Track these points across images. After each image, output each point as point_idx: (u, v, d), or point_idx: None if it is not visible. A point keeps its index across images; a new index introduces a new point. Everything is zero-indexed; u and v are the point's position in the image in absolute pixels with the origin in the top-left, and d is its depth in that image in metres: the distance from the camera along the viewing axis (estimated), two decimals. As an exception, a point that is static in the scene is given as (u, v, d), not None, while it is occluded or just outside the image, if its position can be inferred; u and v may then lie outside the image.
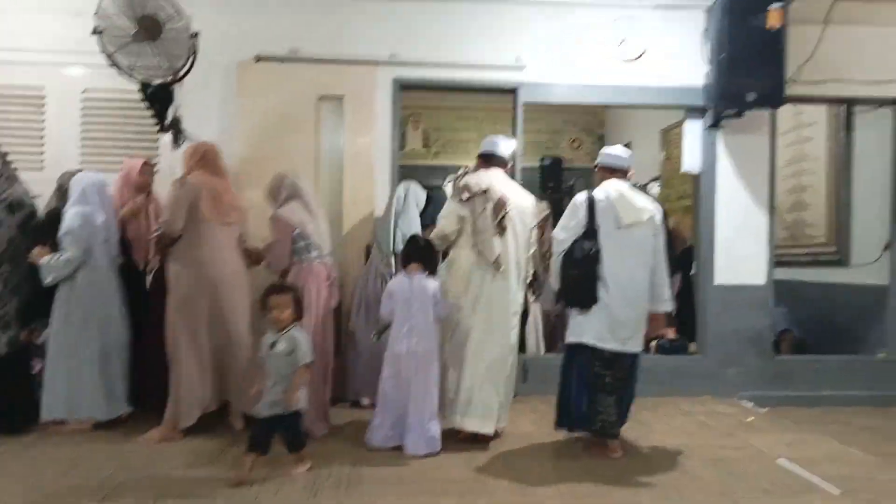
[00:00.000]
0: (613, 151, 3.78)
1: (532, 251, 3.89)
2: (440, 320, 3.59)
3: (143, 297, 3.98)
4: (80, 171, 3.99)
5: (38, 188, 4.00)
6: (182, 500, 2.81)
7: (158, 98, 4.07)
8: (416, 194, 4.58)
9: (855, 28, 4.93)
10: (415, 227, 4.43)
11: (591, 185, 3.74)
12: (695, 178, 5.24)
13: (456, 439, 3.63)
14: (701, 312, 5.08)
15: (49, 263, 3.60)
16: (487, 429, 3.65)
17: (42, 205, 3.96)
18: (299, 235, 3.72)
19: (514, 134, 4.94)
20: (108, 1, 3.83)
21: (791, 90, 4.70)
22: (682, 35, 4.95)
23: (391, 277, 4.00)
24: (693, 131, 5.05)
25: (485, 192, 3.67)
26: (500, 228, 3.65)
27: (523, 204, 3.82)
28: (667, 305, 3.67)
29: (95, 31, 3.82)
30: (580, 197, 3.60)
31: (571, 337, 3.59)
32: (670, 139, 6.61)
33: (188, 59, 3.95)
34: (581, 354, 3.54)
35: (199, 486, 2.96)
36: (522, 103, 4.90)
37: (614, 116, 8.42)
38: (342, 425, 3.99)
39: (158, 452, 3.42)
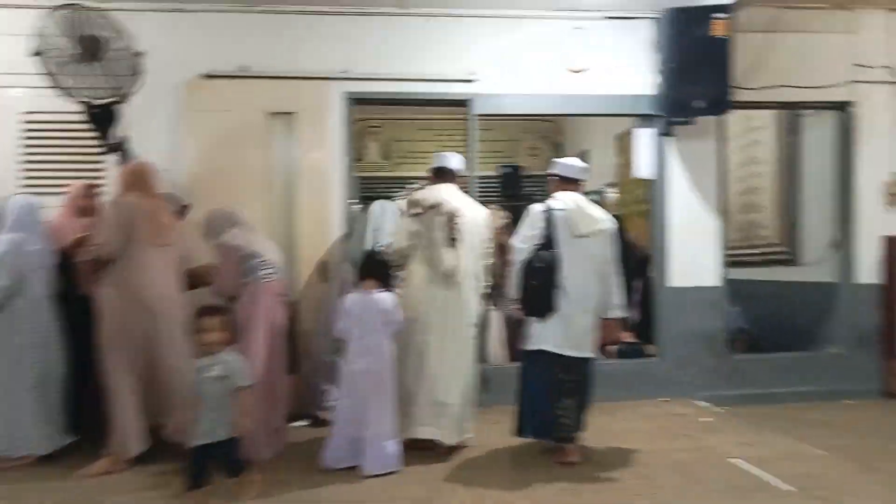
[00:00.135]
0: (569, 162, 3.87)
1: (488, 262, 3.93)
2: (396, 336, 3.58)
3: (89, 324, 3.86)
4: (15, 195, 3.86)
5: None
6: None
7: (102, 119, 3.99)
8: (392, 211, 4.54)
9: (797, 35, 5.07)
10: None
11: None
12: (649, 184, 5.33)
13: (417, 452, 3.62)
14: (657, 315, 5.16)
15: (-23, 294, 3.45)
16: (448, 439, 3.66)
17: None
18: (248, 256, 3.69)
19: (468, 145, 4.97)
20: (49, 21, 3.76)
21: (738, 96, 4.82)
22: (631, 45, 5.03)
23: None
24: (644, 138, 5.13)
25: (435, 206, 3.71)
26: (453, 241, 3.68)
27: (475, 216, 3.86)
28: (618, 311, 3.75)
29: (36, 53, 3.74)
30: (537, 207, 3.67)
31: (530, 344, 3.64)
32: (625, 145, 6.70)
33: (133, 78, 3.89)
34: (540, 361, 3.59)
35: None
36: (475, 115, 4.93)
37: (571, 124, 8.51)
38: (301, 442, 3.94)
39: (103, 485, 3.30)
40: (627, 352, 5.27)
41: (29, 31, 3.70)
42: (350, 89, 4.80)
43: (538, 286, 3.53)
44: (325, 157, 4.75)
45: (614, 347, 5.27)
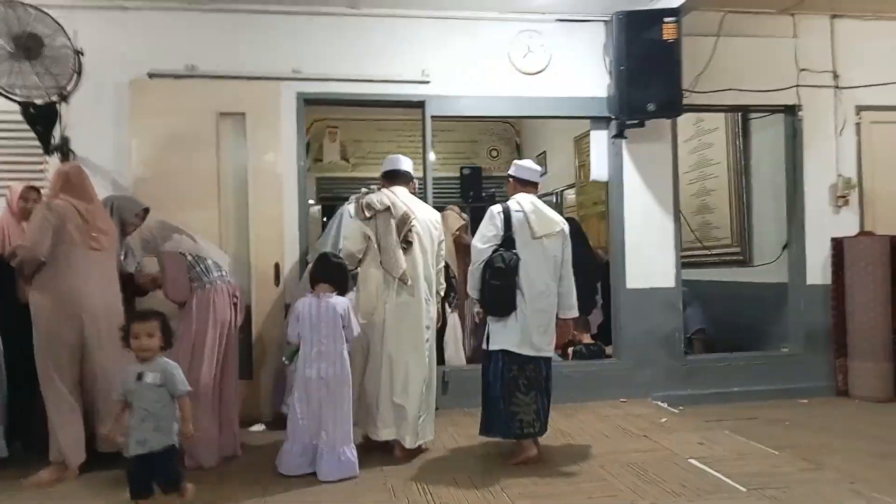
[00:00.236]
0: (527, 165, 3.90)
1: (442, 265, 3.93)
2: (351, 340, 3.51)
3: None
4: None
5: None
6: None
7: (42, 118, 3.86)
8: (344, 214, 4.50)
9: (745, 39, 5.15)
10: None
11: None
12: (606, 185, 5.36)
13: (378, 454, 3.61)
14: (615, 317, 5.18)
15: None
16: (408, 443, 3.64)
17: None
18: (195, 261, 3.60)
19: (423, 147, 4.93)
20: (-18, 18, 3.61)
21: (689, 99, 4.87)
22: (584, 47, 5.06)
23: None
24: (599, 140, 5.16)
25: (388, 209, 3.68)
26: (406, 244, 3.66)
27: (429, 218, 3.85)
28: (573, 312, 3.79)
29: (-32, 51, 3.59)
30: (496, 208, 3.70)
31: (491, 344, 3.66)
32: (583, 147, 6.75)
33: (72, 77, 3.75)
34: (499, 361, 3.61)
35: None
36: (430, 116, 4.89)
37: (530, 126, 8.56)
38: (257, 447, 3.87)
39: (46, 495, 3.18)
40: (587, 353, 5.30)
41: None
42: (303, 90, 4.71)
43: (499, 286, 3.55)
44: (277, 158, 4.64)
45: (573, 348, 5.30)
